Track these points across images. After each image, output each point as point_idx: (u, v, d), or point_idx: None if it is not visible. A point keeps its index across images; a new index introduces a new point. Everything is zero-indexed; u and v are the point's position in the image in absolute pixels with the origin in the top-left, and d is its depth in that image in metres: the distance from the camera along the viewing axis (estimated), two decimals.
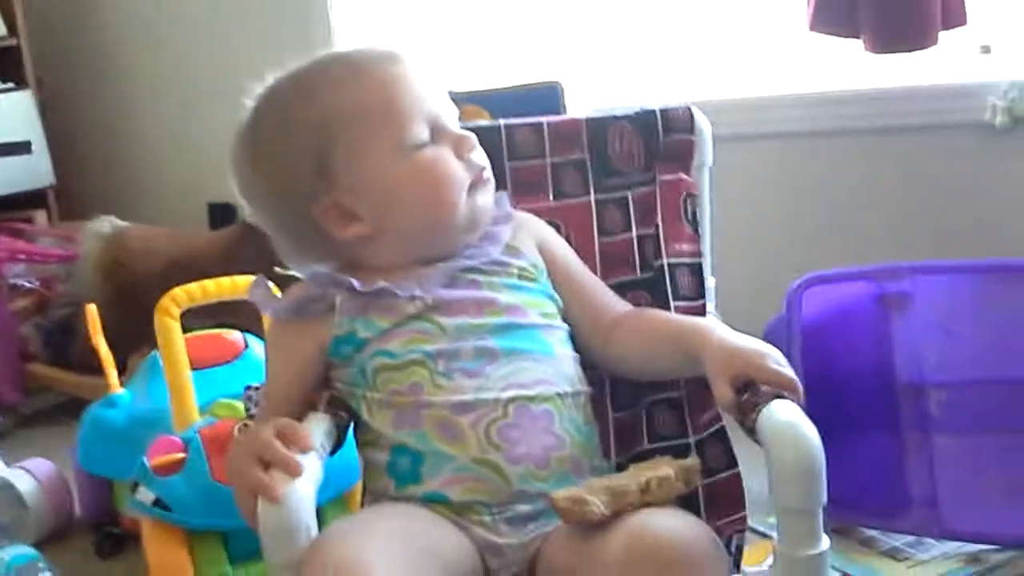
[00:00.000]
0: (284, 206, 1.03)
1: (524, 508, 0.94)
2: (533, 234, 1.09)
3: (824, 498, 0.84)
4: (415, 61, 1.02)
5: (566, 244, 1.13)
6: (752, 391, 0.91)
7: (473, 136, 1.03)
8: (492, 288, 1.01)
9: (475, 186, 1.02)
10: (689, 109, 1.17)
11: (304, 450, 0.88)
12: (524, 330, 1.00)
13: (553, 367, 0.99)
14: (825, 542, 0.85)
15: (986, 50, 2.07)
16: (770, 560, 0.89)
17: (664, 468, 0.90)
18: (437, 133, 1.01)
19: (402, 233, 1.01)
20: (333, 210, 1.00)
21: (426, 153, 0.99)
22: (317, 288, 1.01)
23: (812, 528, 0.84)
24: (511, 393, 0.95)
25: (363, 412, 0.99)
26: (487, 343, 0.97)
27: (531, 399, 0.96)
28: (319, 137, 0.99)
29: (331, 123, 0.99)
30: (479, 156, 1.03)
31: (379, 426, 0.97)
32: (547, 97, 2.10)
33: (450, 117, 1.03)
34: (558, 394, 0.98)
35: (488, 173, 1.04)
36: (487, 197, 1.04)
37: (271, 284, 1.09)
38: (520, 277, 1.04)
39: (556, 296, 1.06)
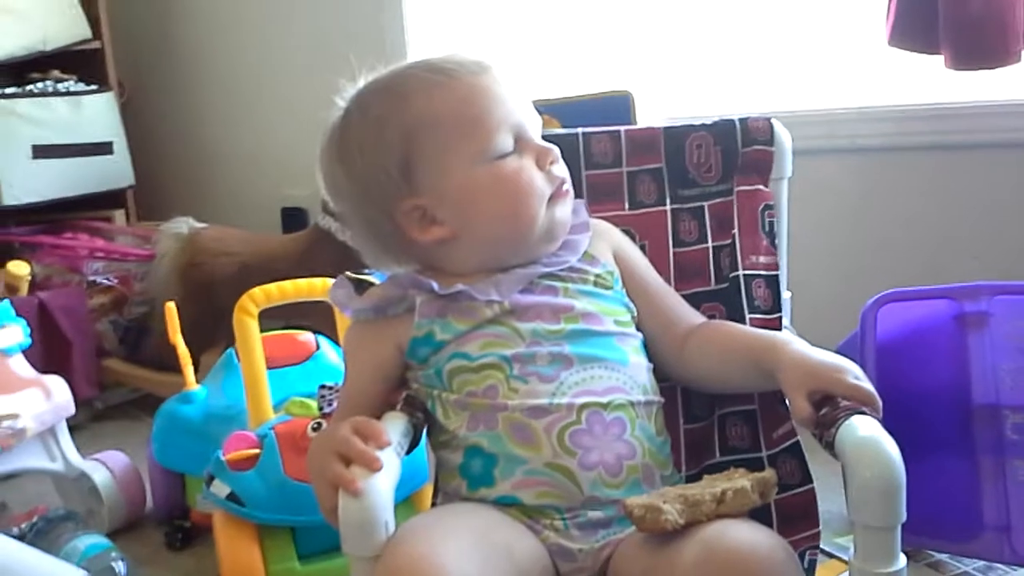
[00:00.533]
0: (369, 205, 1.04)
1: (596, 514, 0.94)
2: (610, 242, 1.10)
3: (903, 516, 0.83)
4: (503, 71, 1.04)
5: (641, 253, 1.14)
6: (831, 405, 0.91)
7: (555, 149, 1.04)
8: (568, 294, 1.03)
9: (555, 198, 1.03)
10: (769, 120, 1.16)
11: (381, 447, 0.89)
12: (599, 337, 1.01)
13: (627, 375, 1.00)
14: (902, 560, 0.84)
15: None
16: None
17: (740, 480, 0.89)
18: (521, 143, 1.02)
19: (481, 240, 1.02)
20: (415, 212, 1.02)
21: (509, 163, 1.01)
22: (397, 289, 1.03)
23: (890, 546, 0.83)
24: (584, 399, 0.96)
25: (438, 413, 1.00)
26: (562, 349, 0.98)
27: (604, 406, 0.96)
28: (406, 140, 1.01)
29: (418, 127, 1.00)
30: (560, 168, 1.04)
31: (454, 427, 0.98)
32: (618, 106, 2.10)
33: (534, 128, 1.04)
34: (631, 402, 0.98)
35: (568, 186, 1.05)
36: (566, 209, 1.05)
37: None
38: (596, 284, 1.05)
39: (631, 304, 1.06)
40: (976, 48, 1.88)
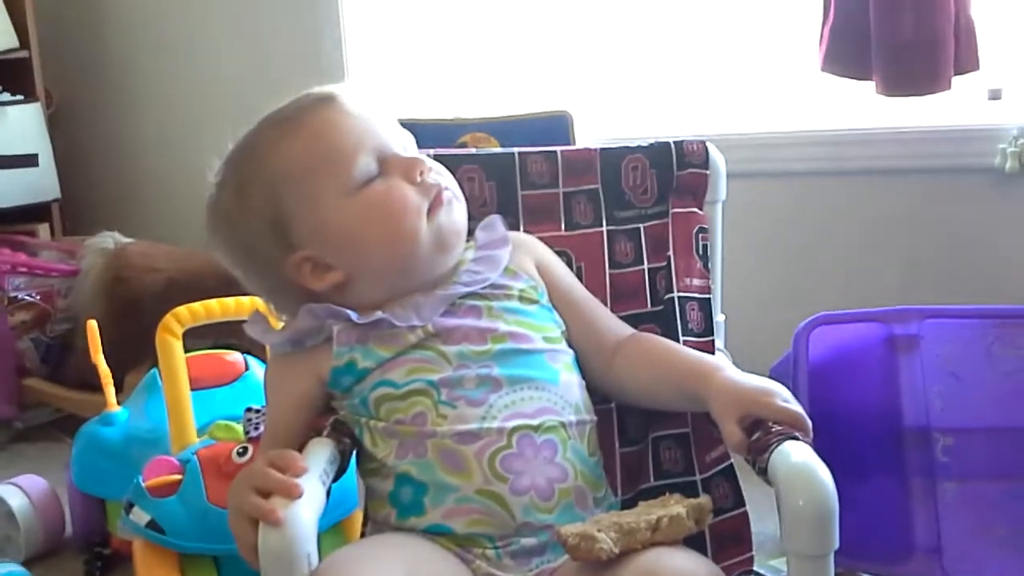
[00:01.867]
0: (257, 269, 1.03)
1: (529, 541, 0.92)
2: (532, 254, 1.08)
3: (836, 543, 0.82)
4: (354, 96, 1.02)
5: (565, 265, 1.12)
6: (763, 430, 0.90)
7: (424, 158, 1.02)
8: (493, 313, 1.01)
9: (434, 207, 1.00)
10: (704, 143, 1.16)
11: (298, 475, 0.87)
12: (528, 356, 0.99)
13: (557, 395, 0.98)
14: None
15: (995, 95, 2.07)
16: None
17: (675, 507, 0.88)
18: (385, 164, 0.99)
19: (375, 272, 1.00)
20: (304, 265, 1.00)
21: (375, 187, 0.98)
22: (313, 320, 1.00)
23: (823, 573, 0.82)
24: (515, 422, 0.94)
25: (366, 440, 0.98)
26: (491, 371, 0.96)
27: (535, 428, 0.95)
28: (269, 199, 0.99)
29: (277, 183, 0.99)
30: (435, 176, 1.01)
31: (382, 455, 0.96)
32: (556, 127, 2.09)
33: (400, 144, 1.02)
34: (562, 423, 0.96)
35: (448, 192, 1.02)
36: (451, 215, 1.01)
37: (269, 317, 1.08)
38: (521, 299, 1.03)
39: (559, 319, 1.05)
40: (907, 75, 1.91)
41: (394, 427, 0.95)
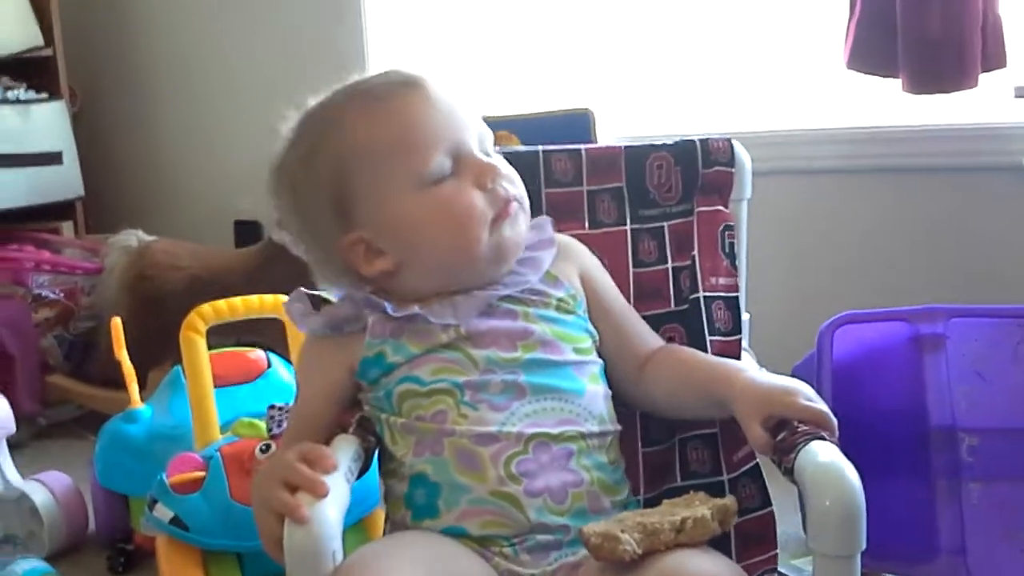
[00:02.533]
0: (311, 238, 1.02)
1: (545, 538, 0.92)
2: (577, 263, 1.06)
3: (863, 544, 0.81)
4: (438, 84, 1.00)
5: (608, 276, 1.10)
6: (788, 430, 0.90)
7: (497, 166, 0.99)
8: (528, 319, 0.99)
9: (500, 219, 0.98)
10: (729, 141, 1.15)
11: (328, 471, 0.86)
12: (556, 367, 0.97)
13: (581, 406, 0.97)
14: None
15: (1022, 93, 2.05)
16: None
17: (700, 507, 0.87)
18: (459, 164, 0.97)
19: (427, 268, 0.99)
20: (357, 246, 0.99)
21: (445, 187, 0.96)
22: (352, 308, 1.00)
23: (849, 574, 0.82)
24: (534, 431, 0.93)
25: (386, 438, 0.97)
26: (517, 378, 0.95)
27: (553, 438, 0.94)
28: (338, 174, 0.97)
29: (348, 158, 0.97)
30: (506, 186, 0.99)
31: (400, 454, 0.96)
32: (578, 124, 2.09)
33: (478, 142, 0.99)
34: (582, 434, 0.95)
35: (515, 204, 0.99)
36: (516, 228, 0.99)
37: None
38: (558, 308, 1.01)
39: (593, 330, 1.04)
40: (934, 72, 1.89)
41: (414, 423, 0.95)
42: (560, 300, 1.02)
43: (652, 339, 1.08)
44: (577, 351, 1.00)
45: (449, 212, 0.96)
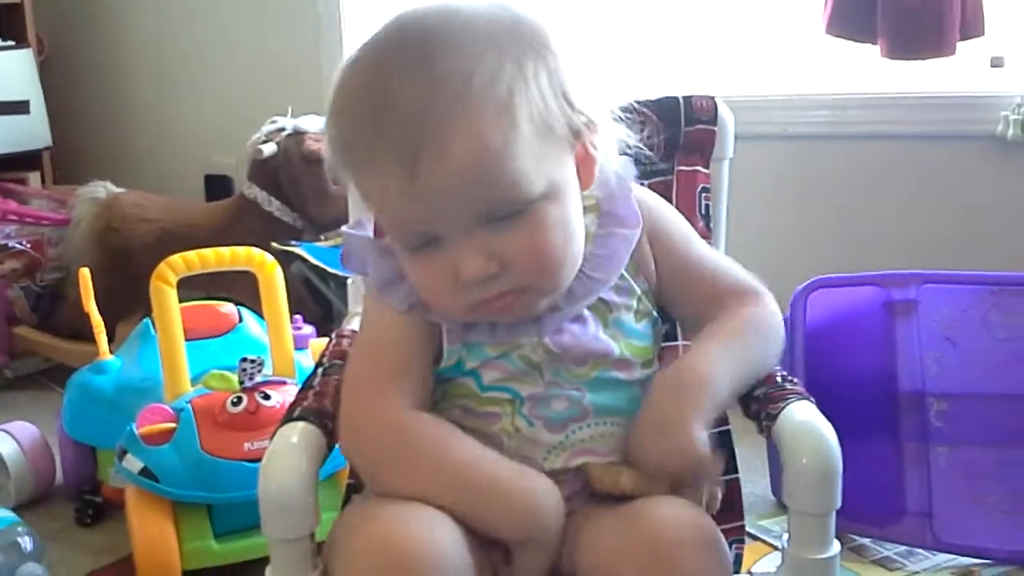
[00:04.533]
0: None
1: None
2: (646, 229, 0.91)
3: (839, 502, 0.82)
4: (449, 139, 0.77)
5: (678, 222, 0.96)
6: (770, 387, 0.89)
7: (473, 268, 0.78)
8: (611, 333, 0.88)
9: (480, 310, 0.82)
10: (713, 99, 1.14)
11: None
12: (624, 387, 0.89)
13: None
14: (836, 546, 0.84)
15: (998, 62, 2.06)
16: (777, 561, 0.87)
17: None
18: (442, 241, 0.80)
19: None
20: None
21: (420, 258, 0.81)
22: (425, 311, 0.86)
23: (825, 532, 0.82)
24: (582, 459, 0.87)
25: None
26: (581, 397, 0.87)
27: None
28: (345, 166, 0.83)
29: (345, 153, 0.82)
30: (490, 283, 0.80)
31: None
32: None
33: (474, 219, 0.78)
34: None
35: (503, 301, 0.81)
36: (513, 313, 0.83)
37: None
38: (637, 312, 0.90)
39: (660, 321, 0.93)
40: (913, 38, 1.90)
41: (457, 412, 0.87)
42: (639, 303, 0.91)
43: (724, 295, 0.93)
44: (645, 364, 0.91)
45: (419, 285, 0.84)
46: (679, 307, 0.95)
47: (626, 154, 0.95)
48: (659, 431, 0.82)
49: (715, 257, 0.97)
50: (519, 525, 0.81)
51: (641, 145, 0.93)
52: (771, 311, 0.94)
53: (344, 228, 0.93)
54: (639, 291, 0.91)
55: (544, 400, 0.86)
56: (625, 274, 0.89)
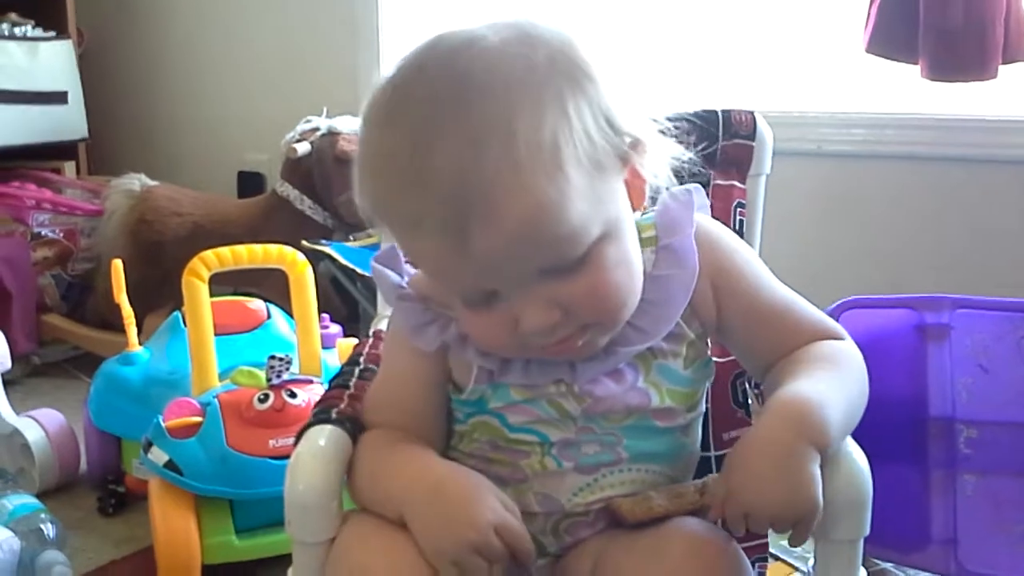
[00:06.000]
0: None
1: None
2: (710, 265, 0.85)
3: (867, 529, 0.81)
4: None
5: (750, 262, 0.88)
6: None
7: (537, 320, 0.75)
8: (651, 381, 0.84)
9: (548, 351, 0.79)
10: (752, 114, 1.13)
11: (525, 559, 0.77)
12: (665, 434, 0.85)
13: (676, 469, 0.87)
14: (863, 574, 0.82)
15: None
16: None
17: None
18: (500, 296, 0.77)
19: None
20: None
21: (480, 314, 0.78)
22: (461, 349, 0.84)
23: (852, 558, 0.82)
24: (603, 495, 0.84)
25: None
26: (616, 443, 0.84)
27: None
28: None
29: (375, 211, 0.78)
30: (556, 330, 0.76)
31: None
32: None
33: (536, 273, 0.74)
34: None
35: (568, 344, 0.78)
36: (591, 338, 0.79)
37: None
38: (687, 358, 0.85)
39: (712, 364, 0.89)
40: (954, 60, 1.88)
41: (483, 447, 0.85)
42: (689, 349, 0.85)
43: (796, 342, 0.86)
44: (691, 407, 0.87)
45: (473, 335, 0.81)
46: (744, 351, 0.89)
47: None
48: (776, 468, 0.74)
49: (787, 295, 0.88)
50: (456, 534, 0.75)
51: (690, 157, 0.87)
52: (856, 351, 0.88)
53: (374, 262, 0.88)
54: (692, 336, 0.85)
55: (575, 444, 0.83)
56: (685, 314, 0.83)
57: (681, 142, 0.87)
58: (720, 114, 1.13)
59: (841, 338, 0.88)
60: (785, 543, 0.76)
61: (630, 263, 0.78)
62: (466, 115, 0.69)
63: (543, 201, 0.69)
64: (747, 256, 0.89)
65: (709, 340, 0.88)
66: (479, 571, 0.74)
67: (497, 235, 0.70)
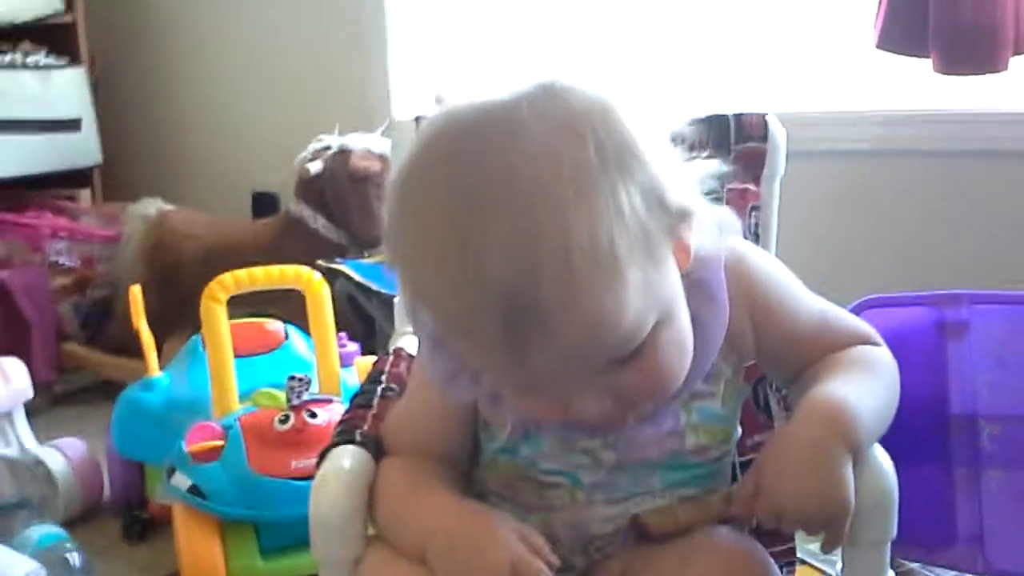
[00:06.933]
0: None
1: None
2: (747, 300, 0.83)
3: (895, 531, 0.80)
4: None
5: (782, 279, 0.87)
6: None
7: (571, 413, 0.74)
8: (689, 423, 0.83)
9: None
10: (764, 116, 1.13)
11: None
12: (698, 467, 0.85)
13: (704, 495, 0.86)
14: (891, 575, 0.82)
15: None
16: None
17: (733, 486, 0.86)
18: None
19: None
20: None
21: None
22: (494, 408, 0.82)
23: (880, 561, 0.81)
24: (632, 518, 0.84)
25: None
26: (651, 479, 0.83)
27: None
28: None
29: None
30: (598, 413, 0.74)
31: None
32: None
33: (590, 371, 0.72)
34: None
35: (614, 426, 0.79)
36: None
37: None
38: (724, 398, 0.84)
39: (745, 389, 0.89)
40: (965, 54, 1.87)
41: (513, 482, 0.84)
42: (728, 383, 0.84)
43: (826, 352, 0.85)
44: (724, 440, 0.86)
45: (521, 411, 0.78)
46: (784, 373, 0.88)
47: None
48: (810, 467, 0.74)
49: (822, 310, 0.87)
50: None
51: (720, 170, 0.84)
52: (890, 357, 0.88)
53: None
54: (729, 373, 0.84)
55: (608, 484, 0.83)
56: (723, 352, 0.81)
57: (692, 148, 0.84)
58: (731, 118, 1.13)
59: (876, 343, 0.87)
60: (811, 547, 0.76)
61: (683, 340, 0.75)
62: (516, 218, 0.65)
63: (602, 315, 0.67)
64: (782, 280, 0.86)
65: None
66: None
67: (555, 350, 0.67)
